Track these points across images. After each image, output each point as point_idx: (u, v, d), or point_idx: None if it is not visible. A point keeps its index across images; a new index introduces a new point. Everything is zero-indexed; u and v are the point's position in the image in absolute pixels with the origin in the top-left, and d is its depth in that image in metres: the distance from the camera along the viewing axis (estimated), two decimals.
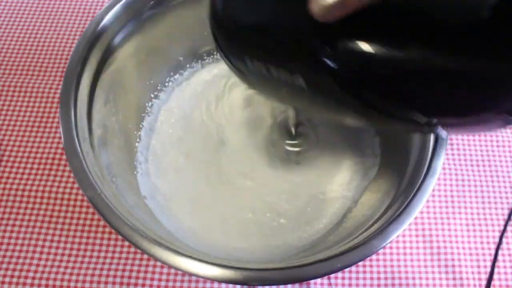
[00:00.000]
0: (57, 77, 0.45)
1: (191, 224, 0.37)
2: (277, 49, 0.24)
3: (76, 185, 0.40)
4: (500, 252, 0.38)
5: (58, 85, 0.45)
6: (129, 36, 0.37)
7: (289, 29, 0.23)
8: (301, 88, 0.24)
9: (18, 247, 0.37)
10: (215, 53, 0.44)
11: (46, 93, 0.44)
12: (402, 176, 0.33)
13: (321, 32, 0.21)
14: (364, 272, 0.37)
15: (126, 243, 0.38)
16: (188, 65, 0.43)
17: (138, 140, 0.40)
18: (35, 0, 0.50)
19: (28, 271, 0.36)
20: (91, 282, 0.36)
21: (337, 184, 0.39)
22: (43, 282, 0.36)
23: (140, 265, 0.37)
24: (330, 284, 0.36)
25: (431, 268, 0.37)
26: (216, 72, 0.44)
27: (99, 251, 0.37)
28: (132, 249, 0.37)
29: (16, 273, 0.36)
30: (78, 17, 0.49)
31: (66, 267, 0.37)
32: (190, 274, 0.29)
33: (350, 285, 0.36)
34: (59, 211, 0.39)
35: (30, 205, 0.39)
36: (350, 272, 0.37)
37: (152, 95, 0.42)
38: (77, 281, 0.36)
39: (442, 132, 0.24)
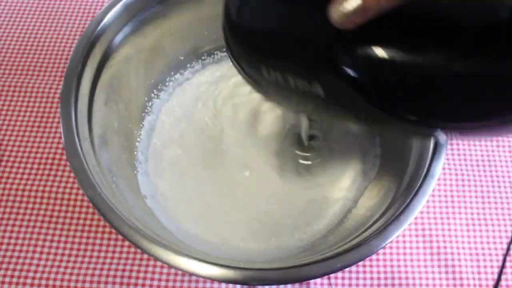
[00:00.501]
0: (57, 77, 0.45)
1: (191, 224, 0.37)
2: (295, 57, 0.24)
3: (76, 185, 0.40)
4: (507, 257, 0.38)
5: (58, 85, 0.45)
6: (129, 36, 0.37)
7: (308, 37, 0.23)
8: (319, 97, 0.24)
9: (18, 247, 0.37)
10: (216, 53, 0.44)
11: (46, 93, 0.44)
12: (402, 176, 0.33)
13: (341, 39, 0.21)
14: (364, 272, 0.37)
15: (126, 243, 0.38)
16: (188, 65, 0.43)
17: (138, 139, 0.40)
18: (35, 0, 0.50)
19: (28, 271, 0.36)
20: (91, 282, 0.36)
21: (340, 188, 0.39)
22: (43, 282, 0.36)
23: (140, 265, 0.37)
24: (330, 284, 0.36)
25: (431, 268, 0.37)
26: (218, 73, 0.43)
27: (99, 251, 0.37)
28: (132, 249, 0.37)
29: (16, 273, 0.36)
30: (78, 17, 0.49)
31: (66, 267, 0.37)
32: (190, 274, 0.29)
33: (350, 285, 0.36)
34: (59, 211, 0.39)
35: (30, 205, 0.39)
36: (350, 272, 0.37)
37: (153, 95, 0.42)
38: (77, 281, 0.36)
39: (442, 137, 0.24)
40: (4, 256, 0.37)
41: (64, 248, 0.37)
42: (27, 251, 0.37)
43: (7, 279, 0.36)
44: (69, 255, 0.37)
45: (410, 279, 0.37)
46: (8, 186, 0.40)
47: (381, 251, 0.37)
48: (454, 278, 0.37)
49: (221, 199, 0.38)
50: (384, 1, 0.18)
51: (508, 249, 0.37)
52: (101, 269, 0.37)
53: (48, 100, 0.44)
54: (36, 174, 0.40)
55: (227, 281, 0.27)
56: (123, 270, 0.37)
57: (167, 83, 0.42)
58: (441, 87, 0.20)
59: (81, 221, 0.38)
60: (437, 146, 0.31)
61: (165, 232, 0.34)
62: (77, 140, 0.31)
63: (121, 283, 0.36)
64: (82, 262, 0.37)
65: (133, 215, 0.30)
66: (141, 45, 0.38)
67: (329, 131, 0.40)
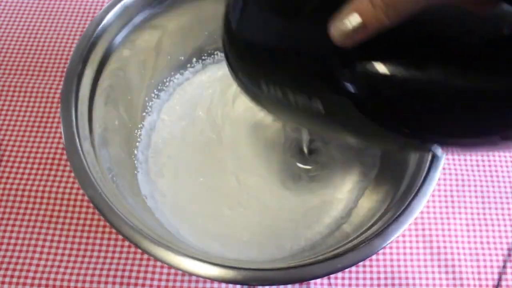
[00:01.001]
0: (57, 77, 0.45)
1: (191, 224, 0.37)
2: (295, 73, 0.23)
3: (76, 185, 0.40)
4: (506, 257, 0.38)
5: (58, 85, 0.45)
6: (129, 36, 0.37)
7: (308, 53, 0.23)
8: (319, 112, 0.23)
9: (18, 247, 0.37)
10: (216, 53, 0.44)
11: (46, 93, 0.44)
12: (402, 177, 0.33)
13: (341, 55, 0.21)
14: (364, 272, 0.37)
15: (126, 243, 0.38)
16: (189, 65, 0.43)
17: (138, 139, 0.40)
18: (35, 0, 0.50)
19: (28, 271, 0.36)
20: (91, 282, 0.36)
21: (341, 192, 0.39)
22: (43, 282, 0.36)
23: (140, 265, 0.37)
24: (330, 284, 0.36)
25: (431, 268, 0.37)
26: (219, 74, 0.43)
27: (99, 251, 0.37)
28: (132, 249, 0.37)
29: (16, 273, 0.36)
30: (78, 17, 0.49)
31: (66, 267, 0.37)
32: (190, 274, 0.29)
33: (350, 285, 0.36)
34: (59, 211, 0.39)
35: (30, 205, 0.39)
36: (350, 272, 0.37)
37: (153, 95, 0.42)
38: (77, 281, 0.36)
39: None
40: (4, 256, 0.37)
41: (64, 248, 0.37)
42: (27, 251, 0.37)
43: (7, 279, 0.36)
44: (69, 255, 0.37)
45: (410, 279, 0.37)
46: (8, 186, 0.40)
47: (381, 251, 0.37)
48: (454, 278, 0.37)
49: (221, 199, 0.38)
50: (384, 19, 0.18)
51: (509, 249, 0.37)
52: (101, 269, 0.37)
53: (48, 100, 0.44)
54: (36, 174, 0.40)
55: (227, 281, 0.27)
56: (123, 270, 0.37)
57: (167, 83, 0.42)
58: (442, 104, 0.20)
59: (81, 221, 0.38)
60: None
61: (165, 232, 0.34)
62: (77, 140, 0.31)
63: (121, 283, 0.36)
64: (82, 262, 0.37)
65: (133, 215, 0.30)
66: (141, 45, 0.38)
67: (330, 139, 0.40)
